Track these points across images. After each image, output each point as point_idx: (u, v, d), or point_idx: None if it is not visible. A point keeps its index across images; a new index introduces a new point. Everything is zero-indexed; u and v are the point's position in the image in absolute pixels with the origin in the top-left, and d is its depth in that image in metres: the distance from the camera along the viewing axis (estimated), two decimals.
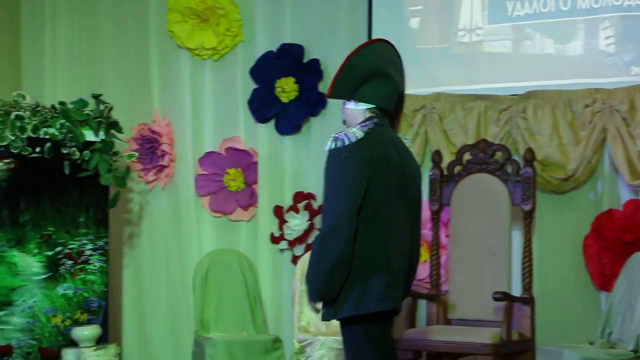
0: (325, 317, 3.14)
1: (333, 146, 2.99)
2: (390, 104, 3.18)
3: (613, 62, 5.06)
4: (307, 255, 4.90)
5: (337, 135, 3.06)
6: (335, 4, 5.68)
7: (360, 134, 2.99)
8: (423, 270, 5.18)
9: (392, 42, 3.63)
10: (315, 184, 5.64)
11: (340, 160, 3.03)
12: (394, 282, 3.11)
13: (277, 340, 5.11)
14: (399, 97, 3.25)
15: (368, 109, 3.18)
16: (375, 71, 3.20)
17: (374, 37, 5.34)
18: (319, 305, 3.10)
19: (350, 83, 3.16)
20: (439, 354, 4.81)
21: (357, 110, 3.20)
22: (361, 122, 3.13)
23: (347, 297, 3.03)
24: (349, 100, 3.23)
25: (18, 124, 4.71)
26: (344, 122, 3.40)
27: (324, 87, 5.75)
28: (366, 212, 3.04)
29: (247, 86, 5.74)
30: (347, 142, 3.00)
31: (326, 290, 3.04)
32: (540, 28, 5.22)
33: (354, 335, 3.18)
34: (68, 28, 6.34)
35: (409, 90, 5.12)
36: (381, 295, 3.07)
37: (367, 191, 3.04)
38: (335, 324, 3.45)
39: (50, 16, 6.38)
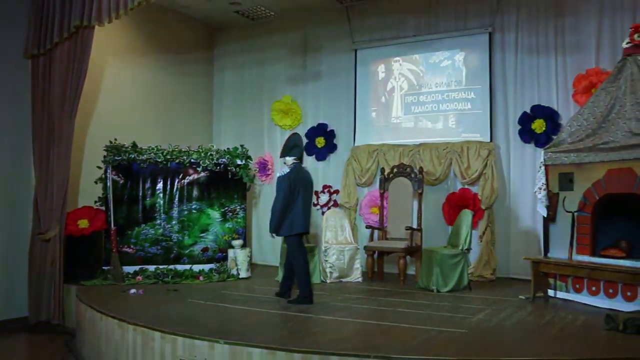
0: (279, 235, 6.36)
1: (280, 175, 6.49)
2: (300, 157, 6.54)
3: (454, 132, 8.99)
4: (330, 211, 8.78)
5: (281, 173, 6.46)
6: (341, 106, 9.78)
7: (287, 171, 6.42)
8: (377, 217, 8.96)
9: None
10: (332, 182, 9.74)
11: (281, 181, 6.39)
12: (305, 220, 6.41)
13: (314, 248, 8.28)
14: (301, 153, 6.57)
15: (293, 158, 6.50)
16: (296, 144, 6.59)
17: (358, 119, 9.49)
18: (274, 234, 6.42)
19: (290, 150, 6.54)
20: (381, 252, 8.32)
21: (290, 159, 6.54)
22: (290, 165, 6.44)
23: (285, 225, 6.33)
24: (288, 156, 6.52)
25: (211, 157, 8.69)
26: (284, 163, 6.48)
27: (337, 140, 9.84)
28: (295, 196, 6.30)
29: (304, 141, 9.67)
30: (285, 174, 6.42)
31: (277, 224, 6.28)
32: (426, 117, 9.23)
33: (291, 242, 6.46)
34: (231, 107, 10.48)
35: (373, 142, 9.36)
36: (301, 225, 6.39)
37: (294, 190, 6.29)
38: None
39: (223, 98, 10.62)
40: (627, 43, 6.61)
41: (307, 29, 10.36)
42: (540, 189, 7.01)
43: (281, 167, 6.82)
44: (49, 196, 7.64)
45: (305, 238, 7.14)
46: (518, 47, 8.76)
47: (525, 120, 8.60)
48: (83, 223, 8.19)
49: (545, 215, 6.99)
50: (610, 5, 8.13)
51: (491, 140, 8.77)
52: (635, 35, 6.55)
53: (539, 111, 8.51)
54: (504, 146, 8.78)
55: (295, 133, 6.89)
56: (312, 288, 6.64)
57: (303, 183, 6.56)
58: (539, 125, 8.48)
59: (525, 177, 8.55)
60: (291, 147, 6.69)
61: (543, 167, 7.03)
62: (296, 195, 6.48)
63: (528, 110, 8.59)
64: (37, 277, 7.59)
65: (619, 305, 6.07)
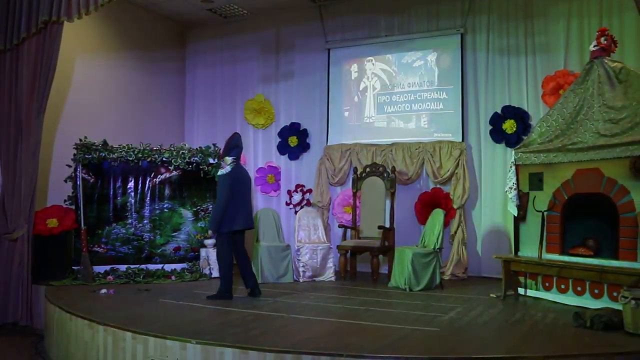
0: (220, 232, 6.45)
1: (221, 174, 6.67)
2: (239, 157, 6.71)
3: (427, 132, 9.13)
4: (303, 210, 8.74)
5: (222, 172, 6.59)
6: (314, 105, 9.85)
7: (229, 170, 6.60)
8: (350, 216, 9.03)
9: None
10: (305, 181, 9.77)
11: (224, 179, 6.57)
12: (245, 218, 6.62)
13: (288, 247, 8.25)
14: (240, 153, 6.73)
15: (233, 158, 6.63)
16: (237, 144, 6.74)
17: (331, 118, 9.58)
18: (211, 232, 7.08)
19: (230, 150, 6.68)
20: (354, 251, 8.40)
21: (229, 159, 6.67)
22: (229, 164, 6.60)
23: (225, 223, 6.50)
24: (228, 156, 6.65)
25: (183, 155, 8.70)
26: (221, 164, 6.72)
27: (309, 139, 9.86)
28: (234, 194, 6.48)
29: (276, 139, 10.02)
30: (225, 173, 6.59)
31: (218, 223, 6.45)
32: (399, 117, 9.35)
33: (222, 241, 6.59)
34: (203, 105, 10.54)
35: (346, 141, 9.48)
36: (240, 223, 6.62)
37: (233, 187, 6.46)
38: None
39: (195, 96, 10.63)
40: (595, 46, 6.73)
41: (280, 28, 10.47)
42: (511, 188, 7.10)
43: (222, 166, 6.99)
44: (16, 195, 7.53)
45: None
46: (489, 48, 8.91)
47: (496, 121, 8.74)
48: (52, 222, 8.12)
49: (516, 215, 7.08)
50: (578, 9, 8.30)
51: (463, 140, 8.89)
52: (602, 39, 6.67)
53: (509, 112, 8.65)
54: (475, 146, 8.90)
55: (236, 133, 7.00)
56: (232, 285, 6.78)
57: (242, 182, 6.74)
58: (509, 126, 8.61)
59: (496, 176, 8.66)
60: (232, 147, 6.79)
61: (514, 167, 7.13)
62: (236, 194, 6.63)
63: (499, 111, 8.73)
64: (3, 278, 7.47)
65: (587, 302, 6.17)
